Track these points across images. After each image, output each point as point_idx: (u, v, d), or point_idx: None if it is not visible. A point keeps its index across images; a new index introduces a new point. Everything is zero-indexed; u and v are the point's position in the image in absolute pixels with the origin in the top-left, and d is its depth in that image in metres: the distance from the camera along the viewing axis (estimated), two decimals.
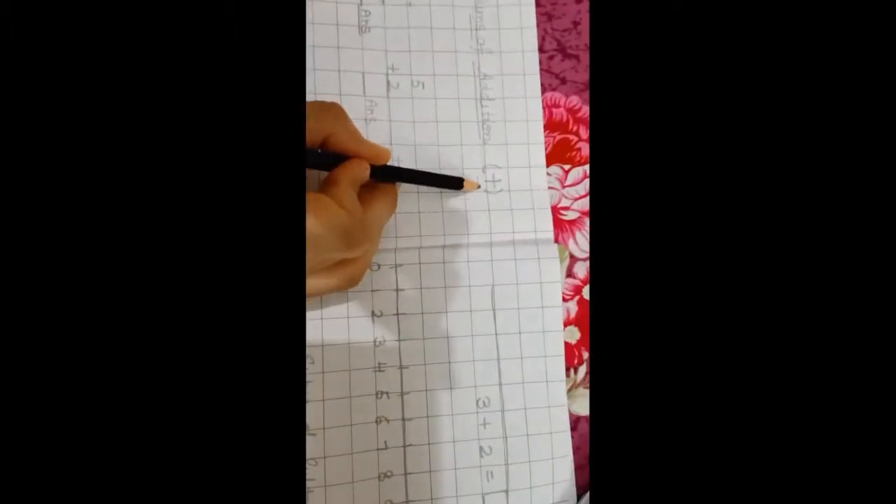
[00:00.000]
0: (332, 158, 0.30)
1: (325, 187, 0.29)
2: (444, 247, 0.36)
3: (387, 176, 0.33)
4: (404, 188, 0.35)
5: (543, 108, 0.38)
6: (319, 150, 0.30)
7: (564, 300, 0.36)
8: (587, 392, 0.36)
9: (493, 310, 0.36)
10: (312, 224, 0.26)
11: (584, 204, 0.38)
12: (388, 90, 0.36)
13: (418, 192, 0.36)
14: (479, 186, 0.36)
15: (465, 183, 0.35)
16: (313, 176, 0.32)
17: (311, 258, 0.27)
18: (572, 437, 0.36)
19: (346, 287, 0.32)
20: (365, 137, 0.32)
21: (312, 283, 0.30)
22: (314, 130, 0.29)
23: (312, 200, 0.27)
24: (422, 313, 0.35)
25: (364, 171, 0.31)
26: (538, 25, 0.38)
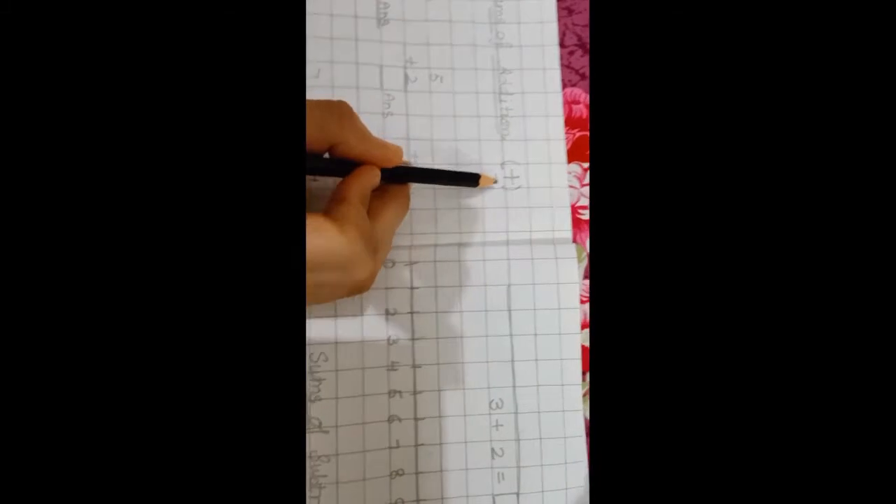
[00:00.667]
0: (340, 164, 0.29)
1: (333, 204, 0.28)
2: (459, 245, 0.35)
3: (399, 177, 0.32)
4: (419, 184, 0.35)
5: (563, 104, 0.37)
6: (327, 156, 0.29)
7: (582, 302, 0.36)
8: None
9: (509, 310, 0.35)
10: (314, 254, 0.25)
11: None
12: (405, 84, 0.35)
13: (434, 189, 0.35)
14: (496, 181, 0.35)
15: (481, 179, 0.34)
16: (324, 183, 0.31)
17: (315, 285, 0.26)
18: (587, 442, 0.35)
19: (354, 294, 0.31)
20: (377, 134, 0.30)
21: (319, 294, 0.29)
22: (318, 138, 0.28)
23: (314, 228, 0.25)
24: (436, 312, 0.34)
25: (374, 179, 0.30)
26: (559, 20, 0.38)
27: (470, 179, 0.34)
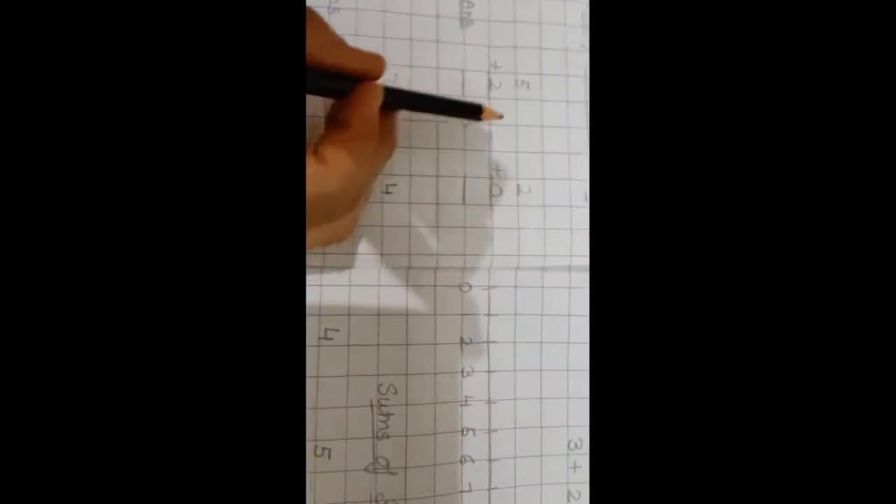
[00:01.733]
0: (335, 82, 0.26)
1: (334, 131, 0.25)
2: (543, 269, 0.32)
3: (390, 103, 0.27)
4: (499, 196, 0.32)
5: None
6: (321, 72, 0.25)
7: None
8: None
9: None
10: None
11: None
12: (489, 90, 0.32)
13: (518, 207, 0.32)
14: (501, 116, 0.30)
15: (485, 112, 0.29)
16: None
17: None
18: None
19: (331, 243, 0.28)
20: (458, 153, 0.28)
21: None
22: None
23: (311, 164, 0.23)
24: (514, 342, 0.31)
25: (378, 97, 0.26)
26: None
27: (472, 111, 0.29)
